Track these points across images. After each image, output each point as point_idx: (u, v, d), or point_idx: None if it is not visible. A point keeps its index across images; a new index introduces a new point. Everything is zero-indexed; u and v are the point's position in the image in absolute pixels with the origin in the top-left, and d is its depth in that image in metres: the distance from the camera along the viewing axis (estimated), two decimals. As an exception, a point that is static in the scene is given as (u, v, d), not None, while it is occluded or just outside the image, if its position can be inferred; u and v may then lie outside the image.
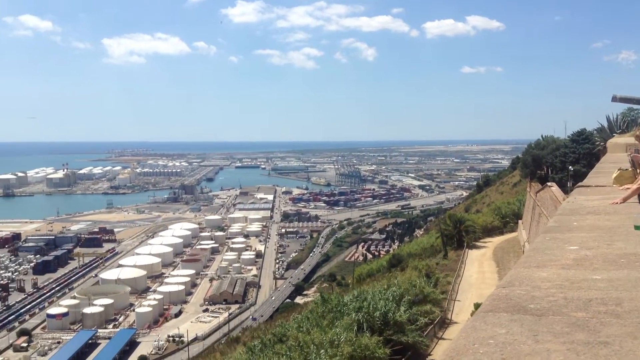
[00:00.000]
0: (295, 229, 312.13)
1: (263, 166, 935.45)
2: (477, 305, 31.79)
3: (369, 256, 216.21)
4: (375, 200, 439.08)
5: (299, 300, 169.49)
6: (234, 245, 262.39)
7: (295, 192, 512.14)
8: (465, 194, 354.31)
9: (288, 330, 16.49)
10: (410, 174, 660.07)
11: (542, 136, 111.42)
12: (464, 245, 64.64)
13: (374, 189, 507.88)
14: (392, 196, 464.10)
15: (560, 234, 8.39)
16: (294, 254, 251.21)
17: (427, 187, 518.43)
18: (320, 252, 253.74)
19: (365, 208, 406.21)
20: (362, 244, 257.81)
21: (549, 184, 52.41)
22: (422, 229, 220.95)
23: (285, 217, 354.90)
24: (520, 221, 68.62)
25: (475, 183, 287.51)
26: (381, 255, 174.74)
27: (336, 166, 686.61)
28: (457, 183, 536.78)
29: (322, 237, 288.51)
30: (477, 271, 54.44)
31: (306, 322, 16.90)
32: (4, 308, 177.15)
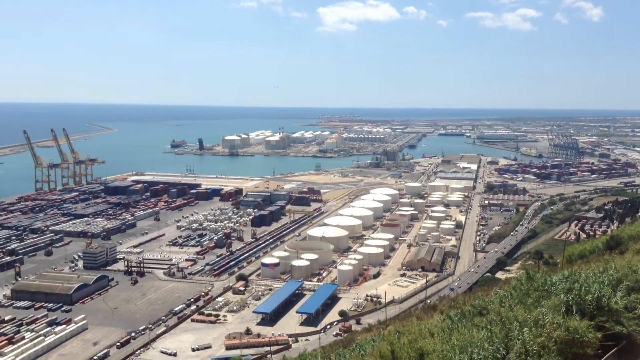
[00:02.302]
0: (499, 201, 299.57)
1: (468, 134, 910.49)
2: None
3: (582, 235, 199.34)
4: (593, 176, 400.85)
5: (500, 275, 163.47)
6: (434, 214, 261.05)
7: (502, 162, 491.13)
8: None
9: (489, 304, 15.69)
10: (637, 148, 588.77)
11: None
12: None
13: (592, 163, 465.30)
14: (613, 172, 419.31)
15: None
16: (496, 227, 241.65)
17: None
18: (526, 227, 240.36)
19: (581, 183, 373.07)
20: (575, 222, 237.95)
21: None
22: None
23: (490, 188, 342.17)
24: None
25: None
26: (597, 236, 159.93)
27: (550, 136, 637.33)
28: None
29: (529, 211, 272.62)
30: None
31: (509, 298, 15.90)
32: (228, 253, 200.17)
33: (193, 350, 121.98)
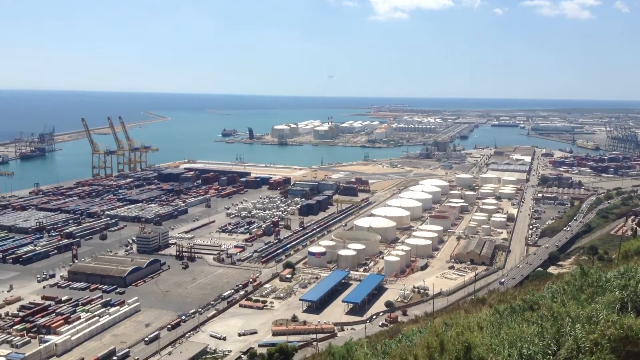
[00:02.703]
0: (553, 195, 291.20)
1: (522, 125, 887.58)
2: None
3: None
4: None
5: (552, 270, 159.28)
6: (485, 206, 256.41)
7: (557, 154, 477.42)
8: None
9: (540, 299, 15.30)
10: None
11: None
12: None
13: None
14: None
15: None
16: (550, 221, 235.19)
17: None
18: (580, 221, 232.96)
19: (639, 177, 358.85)
20: (633, 217, 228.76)
21: None
22: None
23: (543, 181, 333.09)
24: None
25: None
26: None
27: (608, 128, 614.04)
28: None
29: (584, 205, 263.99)
30: None
31: (562, 294, 15.48)
32: (276, 241, 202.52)
33: (239, 335, 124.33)
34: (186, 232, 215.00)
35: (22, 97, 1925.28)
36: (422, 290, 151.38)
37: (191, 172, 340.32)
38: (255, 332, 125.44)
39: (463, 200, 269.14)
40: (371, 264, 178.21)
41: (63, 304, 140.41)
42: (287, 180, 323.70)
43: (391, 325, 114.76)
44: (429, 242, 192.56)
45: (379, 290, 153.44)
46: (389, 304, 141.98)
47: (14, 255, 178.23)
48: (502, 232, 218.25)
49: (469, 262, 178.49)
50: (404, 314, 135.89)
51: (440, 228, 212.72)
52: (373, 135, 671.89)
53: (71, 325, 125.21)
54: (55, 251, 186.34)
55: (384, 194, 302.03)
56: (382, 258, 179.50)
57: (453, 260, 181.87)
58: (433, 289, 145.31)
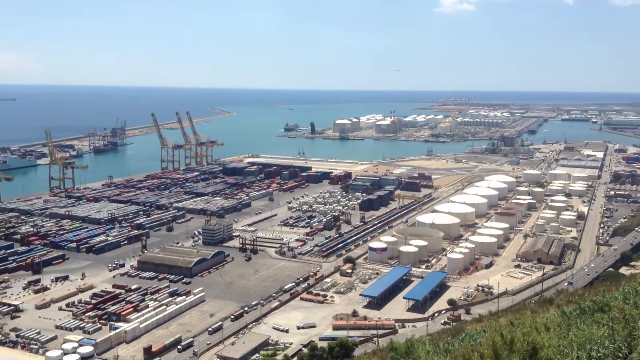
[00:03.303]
0: (626, 192, 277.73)
1: (594, 119, 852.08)
2: None
3: None
4: None
5: (624, 270, 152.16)
6: (553, 204, 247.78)
7: (631, 150, 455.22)
8: None
9: (611, 300, 14.66)
10: None
11: None
12: None
13: None
14: None
15: None
16: (622, 220, 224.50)
17: None
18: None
19: None
20: None
21: None
22: None
23: (616, 178, 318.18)
24: None
25: None
26: None
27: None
28: None
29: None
30: None
31: (634, 295, 14.77)
32: (337, 235, 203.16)
33: (298, 328, 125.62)
34: (249, 225, 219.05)
35: (97, 92, 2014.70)
36: (486, 289, 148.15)
37: (254, 167, 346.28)
38: (314, 326, 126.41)
39: (530, 197, 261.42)
40: (433, 261, 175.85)
41: (133, 293, 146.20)
42: (348, 175, 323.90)
43: (454, 324, 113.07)
44: (494, 239, 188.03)
45: (442, 287, 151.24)
46: (451, 302, 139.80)
47: (87, 245, 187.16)
48: (571, 231, 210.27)
49: (535, 261, 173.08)
50: (467, 312, 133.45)
51: (506, 225, 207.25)
52: (437, 129, 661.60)
53: (140, 313, 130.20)
54: (126, 241, 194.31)
55: (448, 189, 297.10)
56: (445, 255, 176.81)
57: (519, 258, 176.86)
58: (498, 288, 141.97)
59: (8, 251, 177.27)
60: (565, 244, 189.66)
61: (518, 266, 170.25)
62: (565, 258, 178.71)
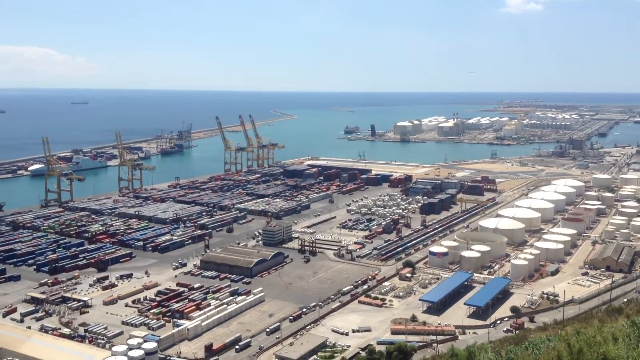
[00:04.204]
0: None
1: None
2: None
3: None
4: None
5: None
6: (624, 209, 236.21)
7: None
8: None
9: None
10: None
11: None
12: None
13: None
14: None
15: None
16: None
17: None
18: None
19: None
20: None
21: None
22: None
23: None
24: None
25: None
26: None
27: None
28: None
29: None
30: None
31: None
32: (397, 239, 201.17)
33: (353, 331, 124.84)
34: (308, 227, 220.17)
35: (165, 96, 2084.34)
36: (551, 297, 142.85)
37: (314, 169, 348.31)
38: (369, 330, 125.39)
39: (600, 203, 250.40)
40: (496, 267, 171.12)
41: (195, 291, 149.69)
42: (408, 178, 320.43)
43: (517, 332, 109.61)
44: (560, 246, 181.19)
45: (504, 294, 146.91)
46: (514, 310, 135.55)
47: (153, 244, 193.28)
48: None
49: (604, 269, 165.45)
50: (531, 320, 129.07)
51: (573, 231, 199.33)
52: (502, 132, 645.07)
53: (202, 312, 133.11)
54: (190, 241, 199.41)
55: (512, 193, 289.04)
56: (509, 261, 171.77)
57: (587, 266, 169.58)
58: (564, 296, 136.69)
59: (79, 249, 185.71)
60: (636, 251, 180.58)
61: (585, 274, 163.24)
62: (635, 266, 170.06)
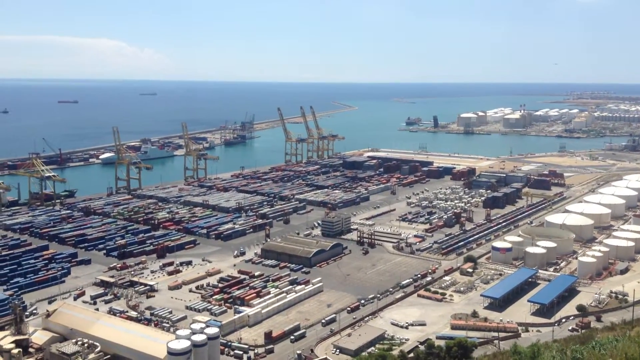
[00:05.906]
0: None
1: None
2: None
3: None
4: None
5: None
6: None
7: None
8: None
9: None
10: None
11: None
12: None
13: None
14: None
15: None
16: None
17: None
18: None
19: None
20: None
21: None
22: None
23: None
24: None
25: None
26: None
27: None
28: None
29: None
30: None
31: None
32: (460, 232, 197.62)
33: (407, 325, 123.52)
34: (367, 219, 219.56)
35: (229, 88, 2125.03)
36: (620, 296, 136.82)
37: (374, 161, 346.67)
38: (424, 324, 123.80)
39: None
40: (562, 264, 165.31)
41: (256, 279, 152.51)
42: (471, 171, 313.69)
43: (582, 331, 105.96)
44: (631, 243, 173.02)
45: (570, 292, 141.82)
46: (581, 308, 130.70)
47: (216, 232, 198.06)
48: None
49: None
50: (598, 320, 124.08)
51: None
52: (571, 124, 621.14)
53: (262, 299, 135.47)
54: (251, 230, 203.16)
55: (581, 188, 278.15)
56: (576, 258, 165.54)
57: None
58: (634, 296, 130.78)
59: (146, 235, 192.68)
60: None
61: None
62: None
